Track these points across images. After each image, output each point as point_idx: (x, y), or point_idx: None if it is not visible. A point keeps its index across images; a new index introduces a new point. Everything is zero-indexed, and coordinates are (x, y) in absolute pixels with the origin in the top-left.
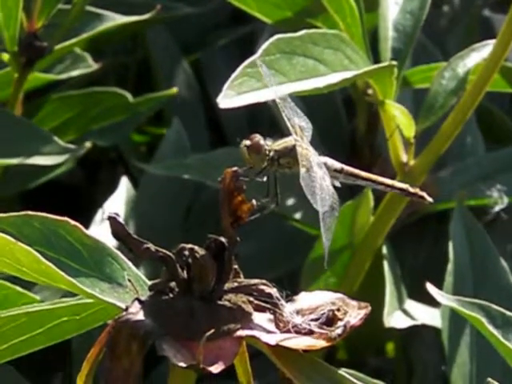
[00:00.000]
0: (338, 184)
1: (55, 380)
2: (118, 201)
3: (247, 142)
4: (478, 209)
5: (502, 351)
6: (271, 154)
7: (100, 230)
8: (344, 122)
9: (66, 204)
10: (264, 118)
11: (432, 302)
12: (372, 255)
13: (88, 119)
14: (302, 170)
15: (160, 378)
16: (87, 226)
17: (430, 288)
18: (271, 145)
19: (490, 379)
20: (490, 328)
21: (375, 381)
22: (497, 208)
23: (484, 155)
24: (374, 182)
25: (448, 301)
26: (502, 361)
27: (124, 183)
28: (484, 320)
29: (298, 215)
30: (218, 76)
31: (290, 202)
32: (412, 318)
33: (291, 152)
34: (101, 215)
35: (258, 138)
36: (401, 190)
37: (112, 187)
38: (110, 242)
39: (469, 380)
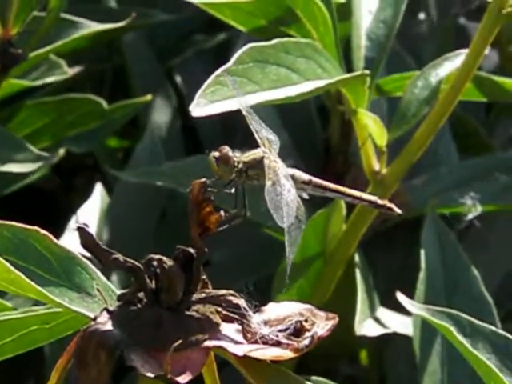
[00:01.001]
0: (306, 196)
1: None
2: (92, 207)
3: (216, 154)
4: (452, 217)
5: (470, 360)
6: (240, 165)
7: (74, 237)
8: (318, 129)
9: (41, 210)
10: (239, 126)
11: (405, 309)
12: (344, 263)
13: (63, 126)
14: (268, 184)
15: None
16: (62, 232)
17: (400, 297)
18: (240, 156)
19: None
20: (459, 337)
21: None
22: (470, 216)
23: (457, 164)
24: (342, 193)
25: (418, 309)
26: (472, 369)
27: (98, 190)
28: (453, 329)
29: (270, 222)
30: (194, 83)
31: (263, 209)
32: (384, 326)
33: (259, 164)
34: (75, 222)
35: (226, 149)
36: (369, 202)
37: (88, 193)
38: (82, 252)
39: None
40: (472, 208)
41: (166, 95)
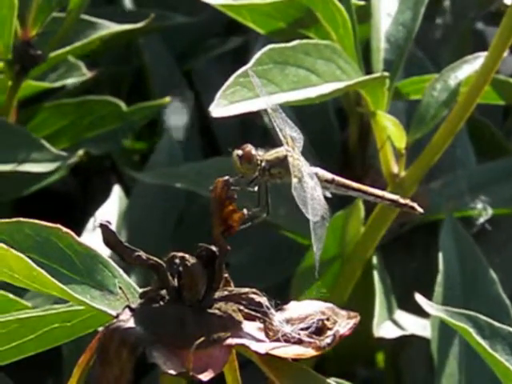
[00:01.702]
0: (328, 194)
1: None
2: (110, 209)
3: (239, 152)
4: (467, 220)
5: (489, 362)
6: (263, 163)
7: (92, 239)
8: (336, 132)
9: (58, 212)
10: (257, 128)
11: (422, 312)
12: (362, 265)
13: (81, 128)
14: (294, 181)
15: None
16: (79, 235)
17: (419, 298)
18: (263, 155)
19: None
20: (478, 338)
21: None
22: (481, 219)
23: (474, 167)
24: (364, 192)
25: (436, 311)
26: (490, 372)
27: (116, 192)
28: (472, 330)
29: (289, 225)
30: (212, 85)
31: (282, 212)
32: (401, 328)
33: (282, 162)
34: (93, 223)
35: (249, 147)
36: (391, 200)
37: (105, 196)
38: (103, 251)
39: None
40: (482, 212)
41: (184, 97)
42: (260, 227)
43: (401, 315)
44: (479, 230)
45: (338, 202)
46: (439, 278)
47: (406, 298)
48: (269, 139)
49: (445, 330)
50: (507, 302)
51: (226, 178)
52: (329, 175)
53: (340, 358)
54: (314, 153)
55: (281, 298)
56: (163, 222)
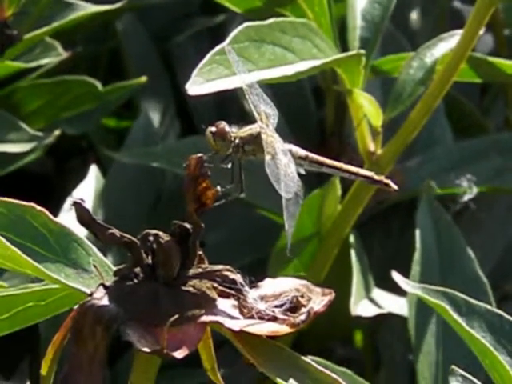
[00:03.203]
0: (302, 171)
1: (22, 364)
2: (87, 189)
3: (213, 129)
4: (447, 198)
5: (465, 338)
6: (236, 140)
7: (69, 219)
8: (313, 111)
9: (35, 193)
10: (234, 107)
11: (400, 290)
12: (339, 244)
13: (57, 108)
14: (267, 157)
15: (125, 370)
16: (56, 215)
17: (396, 276)
18: (236, 132)
19: (453, 366)
20: (455, 316)
21: (341, 368)
22: (466, 198)
23: (452, 145)
24: (338, 169)
25: (413, 288)
26: (467, 349)
27: (93, 172)
28: (449, 308)
29: (265, 204)
30: (189, 65)
31: (258, 190)
32: (379, 306)
33: (256, 139)
34: (69, 204)
35: (223, 124)
36: (366, 177)
37: (82, 176)
38: (78, 230)
39: (435, 368)
40: (467, 189)
41: (162, 77)
42: (236, 206)
43: (378, 294)
44: (461, 208)
45: (315, 181)
46: (416, 255)
47: (383, 277)
48: (246, 118)
49: (422, 308)
50: (484, 280)
51: (200, 155)
52: (302, 152)
53: (317, 335)
54: (291, 132)
55: (256, 276)
56: (140, 202)
